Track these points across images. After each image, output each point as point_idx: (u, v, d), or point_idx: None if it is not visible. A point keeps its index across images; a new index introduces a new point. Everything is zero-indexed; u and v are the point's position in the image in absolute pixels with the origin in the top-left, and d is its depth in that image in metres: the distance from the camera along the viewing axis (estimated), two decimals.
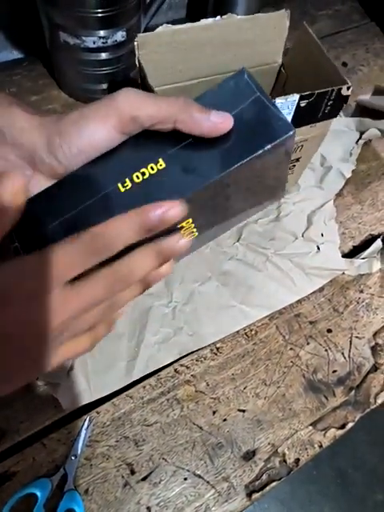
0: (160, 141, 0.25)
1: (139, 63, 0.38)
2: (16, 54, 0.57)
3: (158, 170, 0.24)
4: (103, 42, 0.47)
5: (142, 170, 0.24)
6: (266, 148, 0.23)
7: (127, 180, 0.24)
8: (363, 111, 0.60)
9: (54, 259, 0.20)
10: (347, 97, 0.38)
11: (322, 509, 0.99)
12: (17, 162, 0.26)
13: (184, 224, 0.25)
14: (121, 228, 0.21)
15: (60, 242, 0.21)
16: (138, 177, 0.24)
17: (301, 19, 0.71)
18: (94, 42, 0.47)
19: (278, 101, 0.35)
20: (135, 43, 0.37)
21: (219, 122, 0.23)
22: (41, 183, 0.26)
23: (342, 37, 0.71)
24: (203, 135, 0.23)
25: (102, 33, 0.46)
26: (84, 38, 0.46)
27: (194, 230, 0.27)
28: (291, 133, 0.23)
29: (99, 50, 0.48)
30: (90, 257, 0.21)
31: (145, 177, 0.24)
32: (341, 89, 0.37)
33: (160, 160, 0.24)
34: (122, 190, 0.24)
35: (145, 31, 0.54)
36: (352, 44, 0.71)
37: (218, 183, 0.24)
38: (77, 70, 0.51)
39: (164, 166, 0.24)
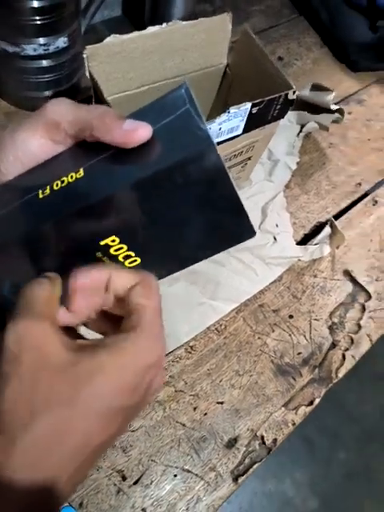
0: (87, 152, 0.25)
1: (90, 74, 0.38)
2: None
3: (76, 178, 0.24)
4: (45, 50, 0.45)
5: (62, 178, 0.24)
6: (176, 159, 0.22)
7: (47, 187, 0.25)
8: (301, 104, 0.64)
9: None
10: (293, 100, 0.41)
11: (293, 475, 1.07)
12: None
13: (108, 241, 0.25)
14: None
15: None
16: (57, 184, 0.24)
17: (235, 15, 0.73)
18: (35, 50, 0.45)
19: (232, 110, 0.36)
20: (84, 55, 0.37)
21: (131, 130, 0.22)
22: None
23: (275, 31, 0.74)
24: (116, 143, 0.23)
25: (42, 40, 0.44)
26: (24, 45, 0.44)
27: (130, 253, 0.26)
28: (206, 146, 0.22)
29: (41, 57, 0.46)
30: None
31: (63, 184, 0.24)
32: (287, 94, 0.39)
33: (80, 169, 0.24)
34: (41, 196, 0.25)
35: (84, 34, 0.53)
36: (285, 38, 0.74)
37: (130, 194, 0.23)
38: (18, 78, 0.49)
39: (82, 174, 0.24)
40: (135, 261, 0.28)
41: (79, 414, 0.19)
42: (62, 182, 0.24)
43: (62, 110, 0.24)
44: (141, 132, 0.22)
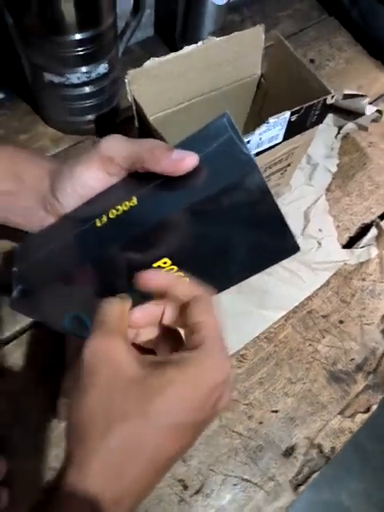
0: (139, 181, 0.27)
1: (133, 97, 0.39)
2: None
3: (130, 206, 0.26)
4: (87, 77, 0.48)
5: (117, 207, 0.26)
6: (224, 184, 0.24)
7: (104, 216, 0.27)
8: (337, 108, 0.63)
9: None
10: (331, 105, 0.40)
11: (348, 484, 1.03)
12: (34, 205, 0.30)
13: (160, 263, 0.27)
14: None
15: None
16: (112, 213, 0.26)
17: (263, 22, 0.74)
18: (79, 78, 0.48)
19: (272, 120, 0.37)
20: (126, 80, 0.38)
21: (179, 160, 0.24)
22: (47, 222, 0.30)
23: (305, 34, 0.74)
24: (165, 173, 0.24)
25: (84, 68, 0.47)
26: (68, 75, 0.47)
27: (180, 273, 0.27)
28: (249, 170, 0.23)
29: (84, 84, 0.49)
30: None
31: (118, 212, 0.26)
32: (326, 99, 0.39)
33: (133, 198, 0.26)
34: (98, 224, 0.27)
35: (121, 57, 0.55)
36: (316, 40, 0.73)
37: (180, 219, 0.25)
38: (62, 105, 0.51)
39: (135, 203, 0.26)
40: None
41: (152, 426, 0.20)
42: (117, 210, 0.26)
43: (115, 146, 0.26)
44: (188, 161, 0.24)
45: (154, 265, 0.27)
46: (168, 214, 0.25)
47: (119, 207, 0.26)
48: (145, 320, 0.25)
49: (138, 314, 0.25)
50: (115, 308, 0.24)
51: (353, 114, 0.59)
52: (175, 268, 0.28)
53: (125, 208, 0.26)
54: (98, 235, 0.27)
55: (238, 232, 0.27)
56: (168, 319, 0.25)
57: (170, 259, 0.27)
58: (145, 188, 0.26)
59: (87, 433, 0.20)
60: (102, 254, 0.26)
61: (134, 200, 0.26)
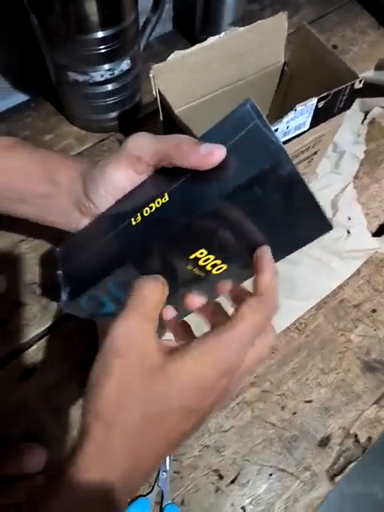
0: (168, 177, 0.27)
1: (158, 91, 0.39)
2: (22, 97, 0.59)
3: (163, 203, 0.26)
4: (110, 74, 0.48)
5: (150, 205, 0.27)
6: (254, 173, 0.23)
7: (138, 214, 0.27)
8: (364, 88, 0.61)
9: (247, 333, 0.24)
10: (360, 89, 0.40)
11: (381, 477, 1.02)
12: (69, 207, 0.30)
13: (197, 254, 0.27)
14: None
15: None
16: (146, 211, 0.27)
17: (284, 9, 0.73)
18: (102, 75, 0.48)
19: (299, 107, 0.36)
20: (151, 75, 0.39)
21: (207, 153, 0.23)
22: (83, 223, 0.31)
23: (327, 20, 0.72)
24: (194, 167, 0.24)
25: (107, 66, 0.47)
26: (92, 73, 0.47)
27: (217, 261, 0.28)
28: (280, 157, 0.22)
29: (107, 81, 0.49)
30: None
31: (152, 210, 0.26)
32: (354, 83, 0.38)
33: (165, 194, 0.26)
34: (134, 223, 0.27)
35: (143, 52, 0.55)
36: (338, 26, 0.72)
37: (213, 212, 0.24)
38: (86, 103, 0.52)
39: (167, 199, 0.26)
40: (222, 267, 0.29)
41: (164, 410, 0.21)
42: (151, 208, 0.27)
43: (142, 144, 0.27)
44: (216, 154, 0.23)
45: (191, 257, 0.28)
46: (200, 208, 0.25)
47: (153, 205, 0.27)
48: (173, 320, 0.26)
49: (171, 313, 0.26)
50: (156, 294, 0.24)
51: (380, 94, 0.58)
52: (211, 257, 0.28)
53: (157, 205, 0.27)
54: (135, 234, 0.27)
55: (273, 218, 0.27)
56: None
57: (206, 250, 0.27)
58: (175, 183, 0.27)
59: (108, 411, 0.21)
60: (141, 252, 0.27)
61: (166, 196, 0.26)
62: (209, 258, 0.28)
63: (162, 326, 0.27)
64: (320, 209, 0.27)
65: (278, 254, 0.30)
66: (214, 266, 0.29)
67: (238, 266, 0.30)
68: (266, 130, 0.23)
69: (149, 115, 0.59)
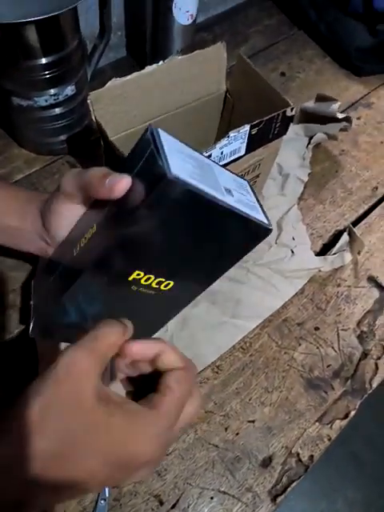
0: (100, 208, 0.29)
1: (95, 118, 0.40)
2: None
3: (92, 233, 0.29)
4: (55, 99, 0.49)
5: (85, 236, 0.29)
6: (146, 199, 0.24)
7: (78, 246, 0.30)
8: (308, 116, 0.64)
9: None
10: (292, 116, 0.42)
11: (344, 493, 1.02)
12: (36, 238, 0.34)
13: (135, 276, 0.28)
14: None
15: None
16: (82, 242, 0.30)
17: (234, 39, 0.76)
18: (46, 100, 0.49)
19: (232, 134, 0.38)
20: (89, 101, 0.39)
21: (112, 184, 0.25)
22: (50, 251, 0.34)
23: (275, 49, 0.76)
24: (105, 198, 0.26)
25: (52, 91, 0.48)
26: (36, 98, 0.48)
27: (161, 279, 0.29)
28: (163, 179, 0.23)
29: (52, 106, 0.50)
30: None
31: (85, 241, 0.29)
32: (285, 111, 0.40)
33: (94, 225, 0.29)
34: (75, 254, 0.30)
35: (91, 79, 0.57)
36: (286, 54, 0.75)
37: (123, 234, 0.26)
38: (33, 127, 0.52)
39: (95, 229, 0.29)
40: (169, 284, 0.30)
41: (80, 455, 0.21)
42: (85, 238, 0.29)
43: (69, 181, 0.30)
44: (120, 184, 0.25)
45: (130, 278, 0.29)
46: (114, 234, 0.26)
47: (86, 235, 0.29)
48: (141, 355, 0.26)
49: (138, 347, 0.25)
50: (112, 335, 0.24)
51: (324, 121, 0.60)
52: (152, 277, 0.29)
53: (89, 236, 0.29)
54: (76, 263, 0.30)
55: (192, 234, 0.27)
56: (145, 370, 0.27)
57: (141, 271, 0.28)
58: (101, 214, 0.29)
59: (24, 429, 0.21)
60: (82, 279, 0.29)
61: (94, 227, 0.29)
62: (149, 278, 0.29)
63: (113, 375, 0.28)
64: (237, 212, 0.27)
65: (223, 265, 0.32)
66: (159, 283, 0.30)
67: (184, 282, 0.31)
68: (158, 154, 0.24)
69: (99, 138, 0.60)
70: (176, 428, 0.25)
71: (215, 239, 0.28)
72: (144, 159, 0.25)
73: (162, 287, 0.30)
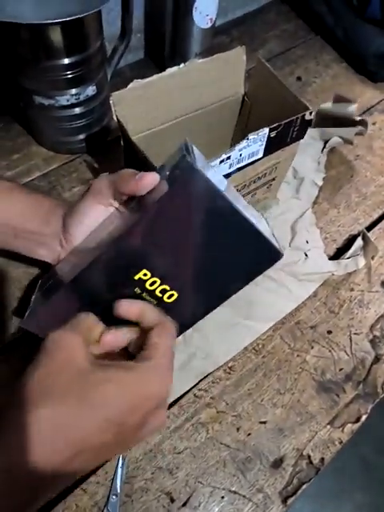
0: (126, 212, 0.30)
1: (117, 118, 0.41)
2: None
3: (109, 230, 0.30)
4: (76, 99, 0.50)
5: (99, 235, 0.30)
6: (168, 192, 0.25)
7: (89, 245, 0.30)
8: (324, 119, 0.64)
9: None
10: (311, 120, 0.42)
11: (353, 497, 1.02)
12: (52, 242, 0.36)
13: (141, 275, 0.29)
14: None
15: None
16: (104, 234, 0.30)
17: (251, 42, 0.77)
18: (68, 100, 0.49)
19: (251, 136, 0.38)
20: (111, 101, 0.40)
21: (140, 179, 0.27)
22: (63, 256, 0.35)
23: (292, 53, 0.76)
24: (132, 191, 0.28)
25: (73, 91, 0.49)
26: (58, 98, 0.49)
27: (166, 287, 0.30)
28: (191, 174, 0.25)
29: (73, 105, 0.50)
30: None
31: (98, 239, 0.30)
32: (304, 115, 0.41)
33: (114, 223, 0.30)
34: (84, 251, 0.31)
35: (110, 80, 0.57)
36: (303, 59, 0.76)
37: (136, 231, 0.27)
38: (53, 126, 0.53)
39: (114, 224, 0.30)
40: (173, 295, 0.30)
41: (82, 413, 0.22)
42: (99, 238, 0.30)
43: (101, 181, 0.32)
44: (148, 179, 0.27)
45: (136, 277, 0.29)
46: (130, 224, 0.27)
47: (103, 233, 0.30)
48: (114, 344, 0.28)
49: (110, 337, 0.27)
50: (89, 320, 0.27)
51: (340, 125, 0.61)
52: (158, 281, 0.29)
53: (106, 233, 0.30)
54: (84, 257, 0.30)
55: (208, 243, 0.28)
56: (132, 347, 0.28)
57: (149, 271, 0.28)
58: (122, 214, 0.30)
59: (26, 400, 0.22)
60: (86, 270, 0.29)
61: (114, 224, 0.30)
62: (155, 281, 0.29)
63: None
64: (258, 232, 0.28)
65: (230, 287, 0.32)
66: (163, 291, 0.30)
67: (189, 297, 0.31)
68: (188, 155, 0.25)
69: (118, 138, 0.60)
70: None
71: (227, 250, 0.29)
72: (174, 164, 0.26)
73: (165, 297, 0.30)
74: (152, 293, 0.30)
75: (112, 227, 0.30)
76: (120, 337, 0.28)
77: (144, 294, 0.30)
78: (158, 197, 0.26)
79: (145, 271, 0.28)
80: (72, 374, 0.23)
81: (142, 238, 0.27)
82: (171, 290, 0.30)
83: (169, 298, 0.31)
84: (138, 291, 0.30)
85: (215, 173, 0.28)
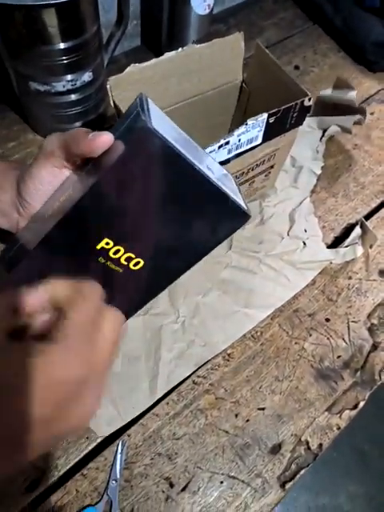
0: (81, 174, 0.29)
1: (114, 103, 0.40)
2: None
3: (66, 195, 0.28)
4: (72, 85, 0.49)
5: (59, 199, 0.29)
6: (122, 151, 0.24)
7: (50, 209, 0.29)
8: (323, 107, 0.64)
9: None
10: (310, 107, 0.42)
11: (346, 488, 1.03)
12: (9, 209, 0.32)
13: (103, 244, 0.27)
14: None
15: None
16: (54, 205, 0.29)
17: (249, 31, 0.76)
18: (64, 86, 0.49)
19: (250, 122, 0.38)
20: (108, 86, 0.40)
21: (93, 139, 0.26)
22: (22, 224, 0.32)
23: (290, 42, 0.76)
24: (85, 152, 0.27)
25: (69, 77, 0.48)
26: (53, 83, 0.48)
27: (131, 255, 0.28)
28: (143, 127, 0.23)
29: (69, 92, 0.50)
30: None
31: (58, 203, 0.29)
32: (303, 101, 0.40)
33: (70, 188, 0.28)
34: (46, 216, 0.29)
35: (107, 66, 0.57)
36: (300, 47, 0.75)
37: (96, 193, 0.25)
38: (49, 113, 0.53)
39: (71, 190, 0.28)
40: (139, 263, 0.29)
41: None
42: (59, 201, 0.29)
43: (52, 140, 0.30)
44: (101, 139, 0.26)
45: (98, 247, 0.28)
46: (87, 190, 0.26)
47: (61, 199, 0.28)
48: (37, 305, 0.23)
49: (29, 298, 0.23)
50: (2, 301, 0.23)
51: (339, 114, 0.60)
52: (121, 249, 0.28)
53: (63, 198, 0.28)
54: (45, 224, 0.29)
55: (166, 203, 0.27)
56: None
57: (110, 239, 0.28)
58: (78, 177, 0.28)
59: None
60: (47, 239, 0.28)
61: (70, 189, 0.28)
62: (119, 250, 0.28)
63: None
64: (220, 190, 0.26)
65: (194, 252, 0.30)
66: (128, 259, 0.29)
67: (156, 263, 0.30)
68: (143, 114, 0.24)
69: (113, 126, 0.60)
70: (103, 346, 0.22)
71: (190, 212, 0.27)
72: (128, 120, 0.25)
73: (131, 265, 0.29)
74: (117, 261, 0.29)
75: (70, 191, 0.28)
76: (40, 297, 0.23)
77: (108, 263, 0.29)
78: (113, 159, 0.24)
79: (107, 240, 0.27)
80: None
81: (98, 203, 0.26)
82: (137, 257, 0.29)
83: (135, 265, 0.29)
84: (102, 260, 0.29)
85: (173, 127, 0.26)
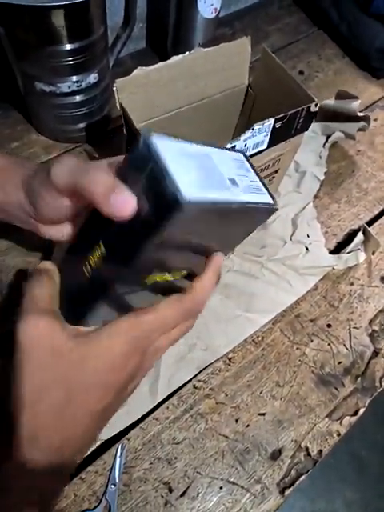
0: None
1: (121, 105, 0.40)
2: None
3: (101, 254, 0.27)
4: (78, 86, 0.49)
5: (93, 254, 0.27)
6: (163, 223, 0.22)
7: (87, 264, 0.27)
8: (327, 114, 0.64)
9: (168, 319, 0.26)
10: (316, 112, 0.42)
11: (343, 494, 1.02)
12: (20, 213, 0.32)
13: (148, 279, 0.27)
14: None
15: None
16: (90, 260, 0.27)
17: (254, 35, 0.76)
18: (69, 87, 0.49)
19: (257, 126, 0.38)
20: (114, 88, 0.39)
21: (119, 206, 0.22)
22: (44, 230, 0.32)
23: (295, 47, 0.76)
24: (109, 216, 0.23)
25: (75, 78, 0.48)
26: (59, 84, 0.48)
27: (176, 273, 0.29)
28: (177, 204, 0.20)
29: (74, 93, 0.50)
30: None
31: (94, 259, 0.27)
32: (310, 106, 0.40)
33: (100, 243, 0.26)
34: (87, 274, 0.27)
35: (112, 68, 0.57)
36: (305, 53, 0.75)
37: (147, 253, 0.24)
38: (54, 113, 0.53)
39: (103, 250, 0.26)
40: (184, 272, 0.30)
41: (78, 389, 0.23)
42: (94, 257, 0.26)
43: (63, 175, 0.26)
44: (128, 206, 0.22)
45: (143, 280, 0.28)
46: (126, 256, 0.24)
47: (95, 254, 0.26)
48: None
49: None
50: (43, 288, 0.25)
51: (342, 120, 0.60)
52: (168, 276, 0.29)
53: (98, 255, 0.26)
54: (90, 283, 0.27)
55: (205, 236, 0.27)
56: None
57: (156, 275, 0.28)
58: (106, 228, 0.25)
59: (30, 397, 0.23)
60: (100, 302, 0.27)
61: (102, 247, 0.26)
62: (164, 275, 0.29)
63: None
64: (252, 206, 0.26)
65: (230, 248, 0.33)
66: (174, 275, 0.30)
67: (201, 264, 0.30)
68: (162, 174, 0.21)
69: (118, 128, 0.60)
70: (162, 342, 0.27)
71: (226, 231, 0.28)
72: (146, 175, 0.22)
73: (176, 276, 0.30)
74: (164, 280, 0.30)
75: (98, 238, 0.26)
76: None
77: (158, 280, 0.29)
78: (146, 226, 0.22)
79: (151, 276, 0.28)
80: (58, 361, 0.23)
81: (141, 264, 0.25)
82: (181, 271, 0.30)
83: (184, 277, 0.31)
84: (149, 283, 0.29)
85: (189, 155, 0.23)
